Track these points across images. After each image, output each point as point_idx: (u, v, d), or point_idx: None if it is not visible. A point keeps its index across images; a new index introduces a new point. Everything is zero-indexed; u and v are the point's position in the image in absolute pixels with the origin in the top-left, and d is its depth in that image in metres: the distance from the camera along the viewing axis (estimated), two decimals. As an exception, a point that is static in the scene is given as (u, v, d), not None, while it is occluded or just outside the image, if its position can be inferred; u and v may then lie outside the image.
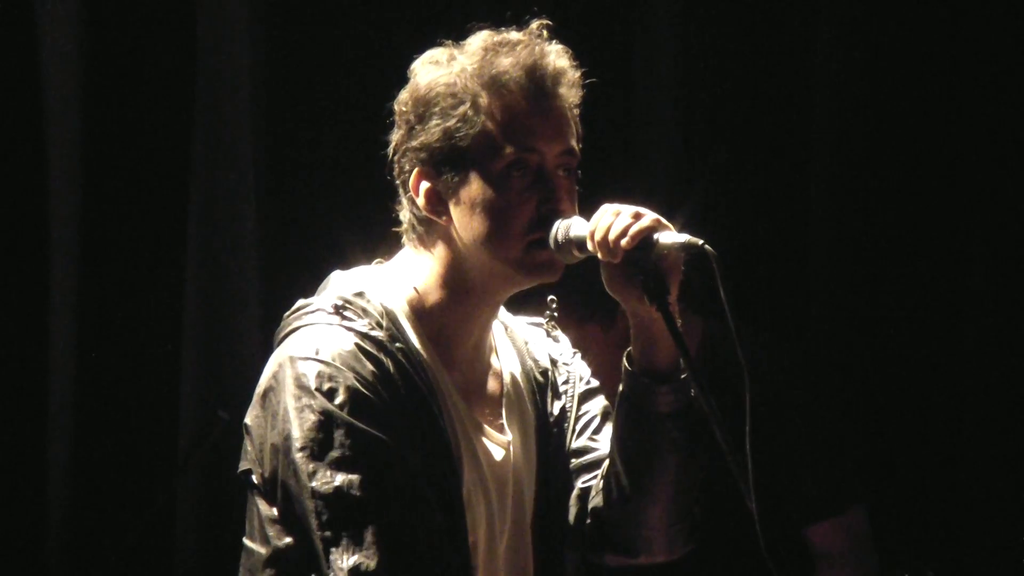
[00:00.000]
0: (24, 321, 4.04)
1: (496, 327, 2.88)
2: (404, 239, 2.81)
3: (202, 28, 4.15)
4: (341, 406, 2.62)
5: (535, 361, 2.90)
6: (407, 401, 2.68)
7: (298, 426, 2.63)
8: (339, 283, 2.79)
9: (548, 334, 2.96)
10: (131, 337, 4.13)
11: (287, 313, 2.78)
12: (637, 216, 2.65)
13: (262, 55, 4.27)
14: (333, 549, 2.59)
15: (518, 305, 2.93)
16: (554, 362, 2.92)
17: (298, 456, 2.62)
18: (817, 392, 4.05)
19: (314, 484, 2.60)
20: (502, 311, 2.90)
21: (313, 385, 2.64)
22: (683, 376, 2.73)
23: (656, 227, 2.64)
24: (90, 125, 4.10)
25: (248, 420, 2.72)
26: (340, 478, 2.60)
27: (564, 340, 2.97)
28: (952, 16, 4.51)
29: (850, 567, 3.99)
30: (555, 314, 2.96)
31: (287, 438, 2.64)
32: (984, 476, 4.50)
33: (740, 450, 2.53)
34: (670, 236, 2.64)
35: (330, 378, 2.64)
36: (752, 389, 2.53)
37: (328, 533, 2.60)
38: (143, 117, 4.14)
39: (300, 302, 2.78)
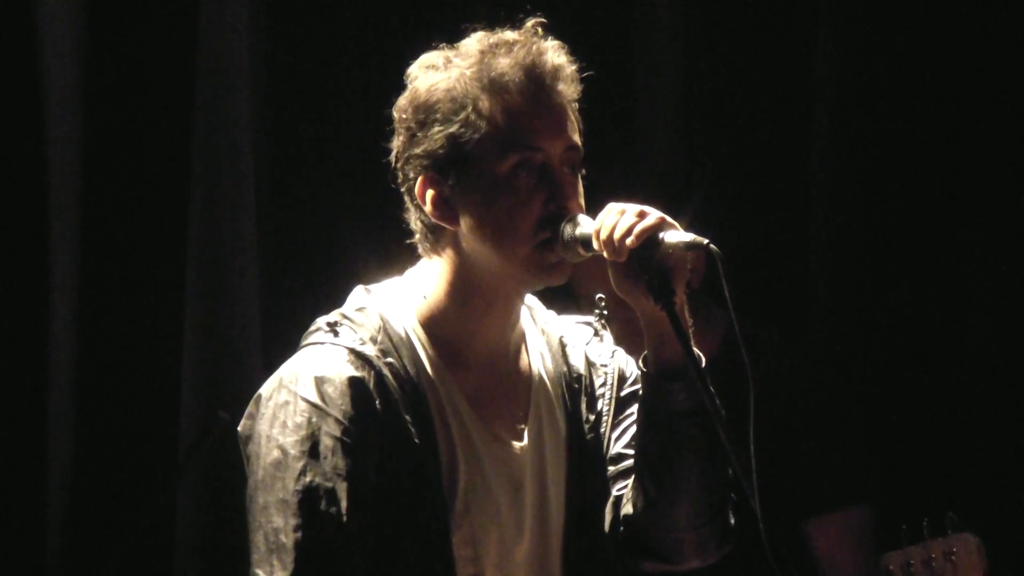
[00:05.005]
0: (24, 321, 4.03)
1: (531, 330, 2.88)
2: (418, 248, 2.82)
3: (202, 28, 4.14)
4: (302, 447, 2.67)
5: (569, 366, 2.89)
6: (385, 419, 2.69)
7: (264, 456, 2.68)
8: (351, 299, 2.83)
9: (596, 332, 2.94)
10: (131, 337, 4.13)
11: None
12: (642, 215, 2.65)
13: (262, 55, 4.27)
14: None
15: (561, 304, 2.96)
16: (592, 364, 2.91)
17: (258, 482, 2.68)
18: (824, 389, 4.06)
19: (261, 519, 2.66)
20: (541, 312, 2.91)
21: (282, 418, 2.69)
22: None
23: (661, 226, 2.65)
24: (90, 125, 4.10)
25: (239, 427, 2.77)
26: (278, 520, 2.64)
27: (607, 339, 2.95)
28: (952, 15, 4.51)
29: (844, 566, 3.99)
30: (604, 311, 2.95)
31: (254, 461, 2.70)
32: (986, 471, 4.51)
33: (745, 448, 2.54)
34: (675, 235, 2.64)
35: (301, 413, 2.68)
36: (763, 384, 2.54)
37: (256, 571, 2.66)
38: (143, 117, 4.14)
39: (315, 320, 2.81)
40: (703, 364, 2.67)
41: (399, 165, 2.81)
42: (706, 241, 2.61)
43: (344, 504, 2.64)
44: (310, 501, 2.64)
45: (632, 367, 2.92)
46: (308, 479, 2.65)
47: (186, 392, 4.13)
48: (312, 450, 2.66)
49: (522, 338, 2.87)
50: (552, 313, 2.94)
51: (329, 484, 2.65)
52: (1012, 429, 4.51)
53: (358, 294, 2.83)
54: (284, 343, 2.92)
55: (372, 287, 2.84)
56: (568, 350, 2.90)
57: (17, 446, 4.02)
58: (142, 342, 4.13)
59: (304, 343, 2.79)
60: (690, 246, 2.63)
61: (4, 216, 4.03)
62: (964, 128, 4.53)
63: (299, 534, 2.63)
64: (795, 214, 4.58)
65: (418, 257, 2.84)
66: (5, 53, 4.02)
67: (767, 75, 4.57)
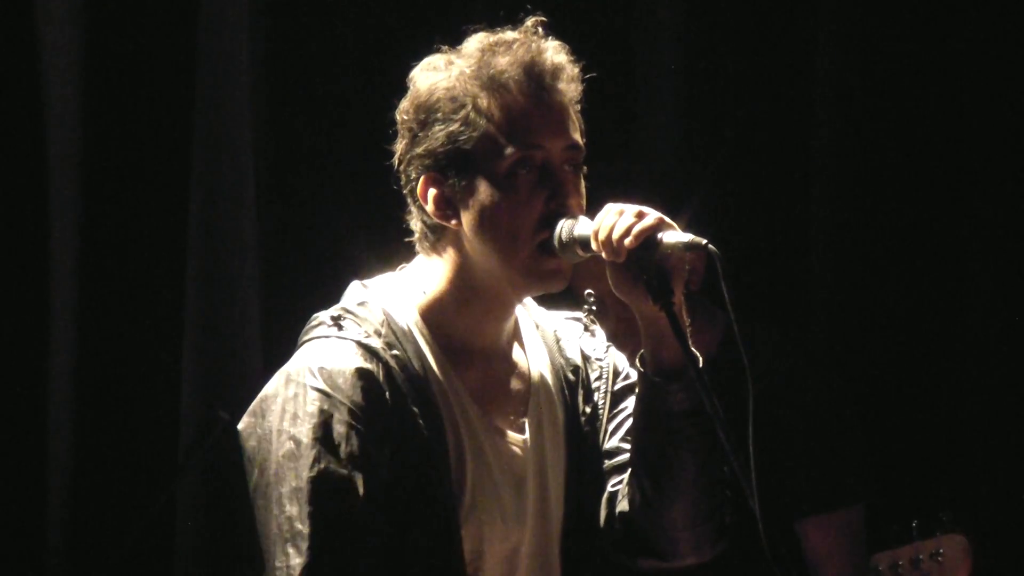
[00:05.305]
0: (24, 321, 4.03)
1: (526, 324, 2.89)
2: (417, 247, 2.82)
3: (202, 27, 4.14)
4: (315, 434, 2.66)
5: (565, 359, 2.90)
6: (394, 411, 2.69)
7: (276, 450, 2.68)
8: (349, 294, 2.82)
9: (586, 328, 2.95)
10: (131, 337, 4.13)
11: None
12: (640, 215, 2.66)
13: (262, 53, 4.27)
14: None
15: (562, 303, 2.95)
16: (587, 358, 2.92)
17: (270, 476, 2.67)
18: (824, 389, 4.05)
19: (275, 510, 2.66)
20: (534, 307, 2.91)
21: (292, 410, 2.68)
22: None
23: (659, 226, 2.65)
24: (90, 125, 4.10)
25: (240, 426, 2.76)
26: (292, 509, 2.64)
27: (600, 334, 2.96)
28: (953, 14, 4.51)
29: (838, 566, 3.98)
30: (593, 307, 2.96)
31: (262, 458, 2.70)
32: (984, 471, 4.51)
33: (744, 449, 2.54)
34: (674, 235, 2.64)
35: (312, 403, 2.68)
36: (759, 384, 2.54)
37: (275, 562, 2.65)
38: (143, 117, 4.14)
39: (313, 316, 2.80)
40: (701, 364, 2.67)
41: (402, 167, 2.81)
42: (705, 241, 2.61)
43: (360, 491, 2.64)
44: (324, 488, 2.64)
45: (624, 362, 2.94)
46: (322, 466, 2.64)
47: (186, 392, 4.13)
48: (325, 438, 2.66)
49: (516, 333, 2.87)
50: (542, 308, 2.95)
51: (344, 471, 2.65)
52: (1011, 429, 4.51)
53: (356, 289, 2.83)
54: (284, 342, 2.93)
55: (368, 282, 2.84)
56: (563, 343, 2.91)
57: (17, 446, 4.02)
58: (142, 341, 4.13)
59: (305, 338, 2.79)
60: (689, 246, 2.63)
61: (4, 216, 4.03)
62: (964, 127, 4.53)
63: (314, 520, 2.63)
64: (795, 214, 4.58)
65: (414, 253, 2.84)
66: (5, 54, 4.02)
67: (767, 75, 4.57)
